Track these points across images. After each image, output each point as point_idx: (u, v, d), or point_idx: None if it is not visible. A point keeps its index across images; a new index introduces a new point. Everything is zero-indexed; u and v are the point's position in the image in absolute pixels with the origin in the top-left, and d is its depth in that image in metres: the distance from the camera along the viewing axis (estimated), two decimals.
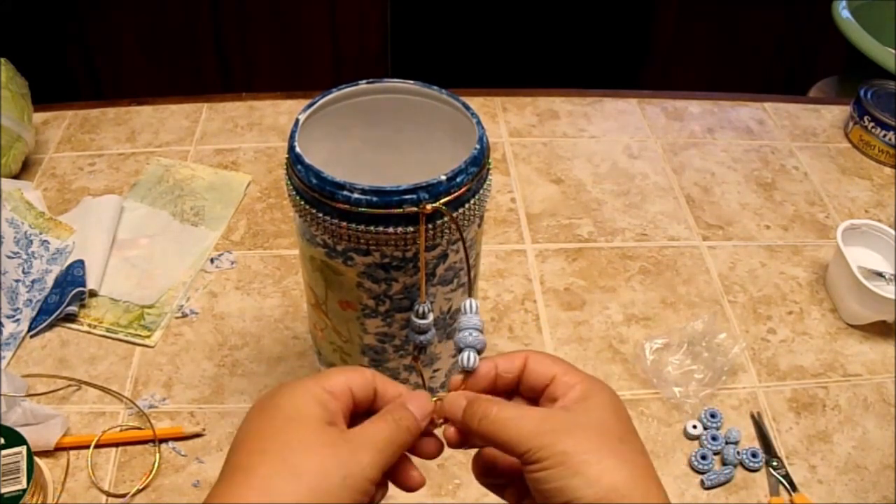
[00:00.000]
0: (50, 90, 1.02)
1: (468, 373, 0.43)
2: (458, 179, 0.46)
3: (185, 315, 0.72)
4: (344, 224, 0.46)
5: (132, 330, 0.70)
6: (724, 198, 0.89)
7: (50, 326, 0.70)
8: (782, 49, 2.01)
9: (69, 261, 0.74)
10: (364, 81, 0.53)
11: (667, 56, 2.02)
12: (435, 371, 0.58)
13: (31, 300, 0.71)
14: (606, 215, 0.85)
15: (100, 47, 1.83)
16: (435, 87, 0.53)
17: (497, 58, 1.96)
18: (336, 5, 1.80)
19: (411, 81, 0.54)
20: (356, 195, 0.45)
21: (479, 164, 0.48)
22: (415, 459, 0.42)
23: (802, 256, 0.82)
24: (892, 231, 0.77)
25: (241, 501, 0.35)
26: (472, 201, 0.48)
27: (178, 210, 0.83)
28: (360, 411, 0.41)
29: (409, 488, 0.41)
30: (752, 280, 0.79)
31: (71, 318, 0.71)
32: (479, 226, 0.52)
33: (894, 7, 1.48)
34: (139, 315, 0.72)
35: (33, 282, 0.73)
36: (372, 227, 0.46)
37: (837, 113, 1.03)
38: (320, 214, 0.47)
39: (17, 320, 0.70)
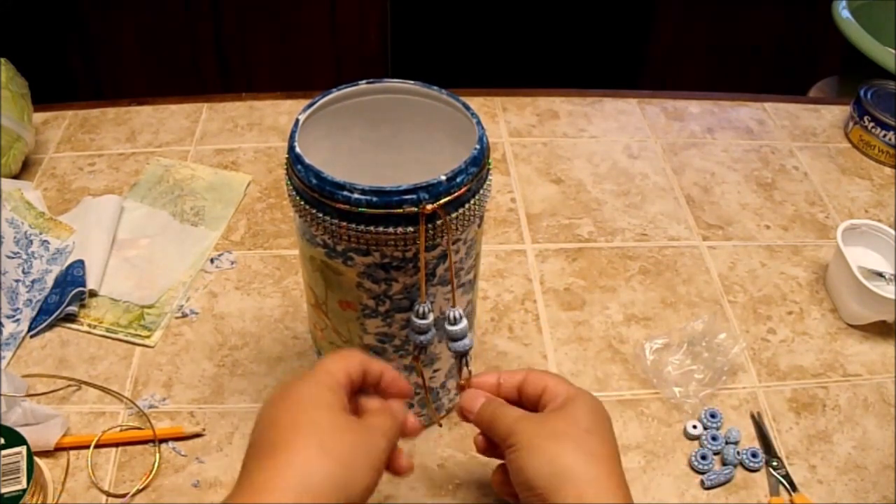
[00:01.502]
0: (50, 90, 1.02)
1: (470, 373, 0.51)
2: (458, 179, 0.46)
3: (185, 315, 0.72)
4: (344, 224, 0.46)
5: (132, 330, 0.70)
6: (724, 198, 0.89)
7: (50, 326, 0.70)
8: (782, 49, 2.01)
9: (69, 261, 0.74)
10: (364, 81, 0.53)
11: (667, 56, 2.02)
12: (435, 371, 0.58)
13: (31, 300, 0.71)
14: (606, 215, 0.85)
15: (100, 47, 1.84)
16: (435, 87, 0.53)
17: (497, 58, 1.96)
18: (336, 5, 1.81)
19: (411, 81, 0.54)
20: (356, 195, 0.45)
21: (479, 165, 0.48)
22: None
23: (802, 256, 0.82)
24: (892, 231, 0.77)
25: (287, 476, 0.39)
26: (472, 201, 0.48)
27: (178, 210, 0.83)
28: (353, 391, 0.47)
29: (401, 471, 0.48)
30: (752, 280, 0.79)
31: (71, 318, 0.71)
32: (479, 226, 0.52)
33: (894, 7, 1.48)
34: (139, 315, 0.72)
35: (33, 282, 0.73)
36: (372, 228, 0.46)
37: (837, 113, 1.03)
38: (320, 214, 0.47)
39: (17, 320, 0.70)
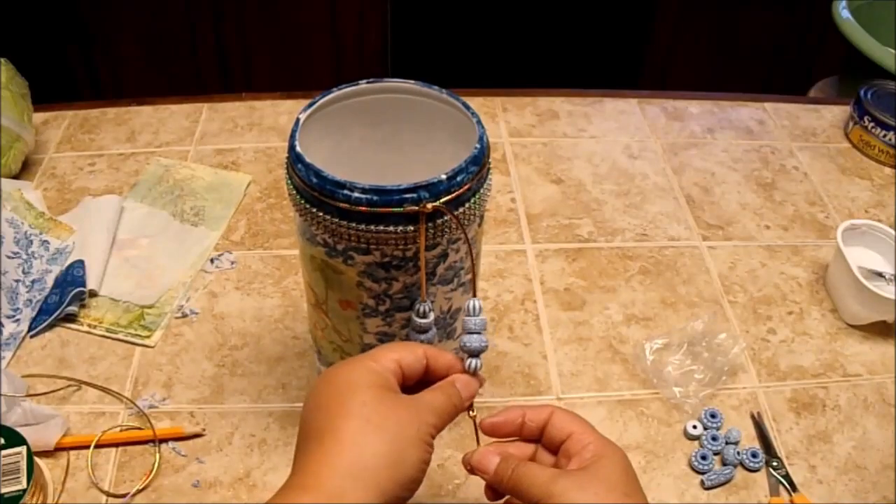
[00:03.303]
0: (50, 90, 1.02)
1: (474, 374, 0.48)
2: (459, 179, 0.46)
3: (185, 315, 0.72)
4: (344, 223, 0.46)
5: (132, 330, 0.70)
6: (724, 198, 0.89)
7: (50, 326, 0.70)
8: (782, 49, 2.01)
9: (69, 261, 0.74)
10: (364, 81, 0.53)
11: (667, 56, 2.02)
12: None
13: (31, 300, 0.71)
14: (606, 215, 0.85)
15: (100, 47, 1.84)
16: (435, 87, 0.53)
17: (497, 58, 1.96)
18: (336, 5, 1.81)
19: (411, 81, 0.54)
20: (356, 194, 0.45)
21: (479, 164, 0.48)
22: None
23: (802, 256, 0.82)
24: (892, 231, 0.77)
25: (337, 458, 0.39)
26: (472, 200, 0.48)
27: (178, 210, 0.83)
28: (409, 384, 0.45)
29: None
30: (752, 280, 0.79)
31: (71, 318, 0.71)
32: (480, 225, 0.52)
33: (894, 7, 1.48)
34: (139, 315, 0.72)
35: (33, 282, 0.73)
36: (372, 227, 0.46)
37: (837, 113, 1.03)
38: (320, 213, 0.47)
39: (17, 320, 0.70)
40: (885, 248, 0.77)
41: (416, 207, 0.45)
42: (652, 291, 0.77)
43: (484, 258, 0.79)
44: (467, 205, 0.48)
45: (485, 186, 0.49)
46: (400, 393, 0.44)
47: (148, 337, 0.70)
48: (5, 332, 0.69)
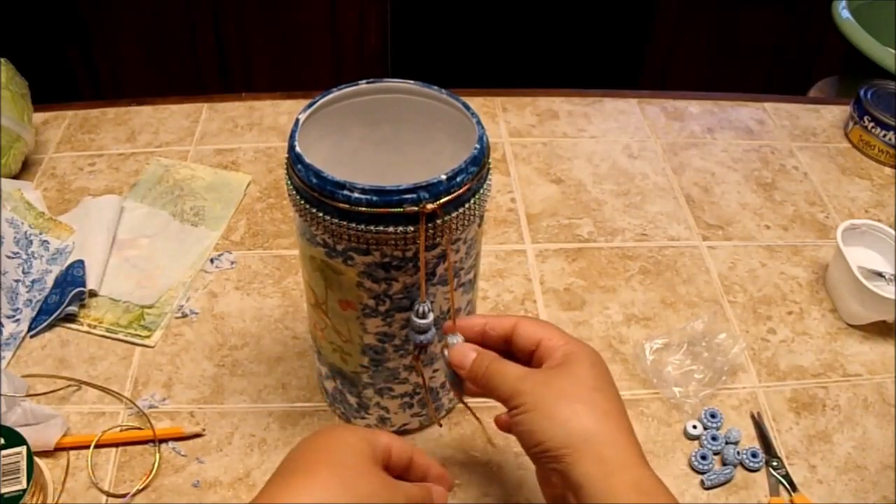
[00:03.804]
0: (50, 90, 1.02)
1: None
2: (459, 179, 0.46)
3: (185, 315, 0.72)
4: (344, 223, 0.46)
5: (132, 330, 0.70)
6: (724, 198, 0.89)
7: (50, 326, 0.70)
8: (782, 49, 2.01)
9: (69, 261, 0.74)
10: (364, 81, 0.53)
11: (667, 56, 2.02)
12: (435, 371, 0.58)
13: (31, 300, 0.71)
14: (606, 215, 0.85)
15: (100, 47, 1.84)
16: (435, 87, 0.53)
17: (497, 58, 1.96)
18: (336, 5, 1.81)
19: (411, 81, 0.54)
20: (356, 194, 0.45)
21: (479, 164, 0.48)
22: None
23: (802, 256, 0.82)
24: (892, 231, 0.77)
25: (296, 496, 0.41)
26: (472, 201, 0.48)
27: (178, 210, 0.83)
28: (392, 467, 0.46)
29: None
30: (752, 280, 0.79)
31: (71, 318, 0.71)
32: (480, 225, 0.52)
33: (894, 7, 1.48)
34: (139, 315, 0.72)
35: (33, 282, 0.73)
36: (372, 227, 0.46)
37: (837, 113, 1.03)
38: (320, 214, 0.47)
39: (17, 320, 0.70)
40: (885, 248, 0.77)
41: (416, 208, 0.45)
42: (652, 291, 0.77)
43: (484, 258, 0.79)
44: (467, 205, 0.48)
45: (485, 187, 0.49)
46: (380, 469, 0.45)
47: (148, 337, 0.70)
48: (5, 332, 0.69)
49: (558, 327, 0.50)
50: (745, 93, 1.07)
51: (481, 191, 0.49)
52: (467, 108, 0.51)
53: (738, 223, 0.86)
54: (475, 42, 1.97)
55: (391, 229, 0.46)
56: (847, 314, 0.75)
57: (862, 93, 0.97)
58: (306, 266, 0.54)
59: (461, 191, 0.47)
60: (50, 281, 0.73)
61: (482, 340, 0.51)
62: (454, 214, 0.47)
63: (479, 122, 0.50)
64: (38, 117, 0.94)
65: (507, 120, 0.98)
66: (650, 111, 1.02)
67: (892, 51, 1.30)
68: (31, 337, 0.69)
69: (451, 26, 1.96)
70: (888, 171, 0.94)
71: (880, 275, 0.75)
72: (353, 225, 0.46)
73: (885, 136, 0.94)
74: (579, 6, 1.95)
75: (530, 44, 1.99)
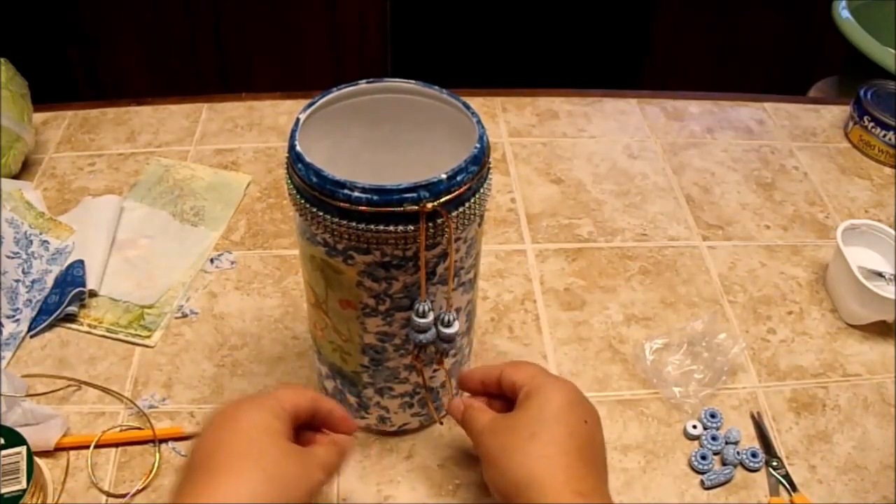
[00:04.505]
0: (50, 90, 1.02)
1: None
2: (459, 178, 0.46)
3: (185, 315, 0.72)
4: (344, 223, 0.46)
5: (132, 330, 0.70)
6: (723, 198, 0.89)
7: (50, 326, 0.70)
8: (782, 49, 2.01)
9: (69, 261, 0.74)
10: (364, 81, 0.53)
11: (667, 56, 2.02)
12: (435, 371, 0.58)
13: (31, 300, 0.71)
14: (606, 215, 0.85)
15: (100, 47, 1.84)
16: (435, 87, 0.53)
17: (497, 58, 1.96)
18: (336, 5, 1.81)
19: (412, 81, 0.54)
20: (356, 193, 0.45)
21: (479, 163, 0.48)
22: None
23: (802, 256, 0.82)
24: (892, 231, 0.77)
25: (222, 499, 0.40)
26: (472, 200, 0.48)
27: (178, 210, 0.83)
28: (298, 424, 0.48)
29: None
30: (752, 280, 0.79)
31: (71, 318, 0.71)
32: (480, 225, 0.52)
33: (894, 7, 1.48)
34: (139, 315, 0.72)
35: (33, 282, 0.73)
36: (372, 226, 0.46)
37: (837, 113, 1.03)
38: (321, 213, 0.47)
39: (17, 320, 0.70)
40: (885, 248, 0.77)
41: (416, 207, 0.45)
42: (652, 291, 0.77)
43: (484, 258, 0.79)
44: (467, 204, 0.48)
45: (485, 186, 0.49)
46: (293, 444, 0.45)
47: (148, 337, 0.70)
48: (5, 332, 0.69)
49: (538, 366, 0.53)
50: (745, 93, 1.07)
51: (482, 190, 0.49)
52: (467, 107, 0.51)
53: (738, 223, 0.86)
54: (475, 42, 1.97)
55: (391, 228, 0.46)
56: (847, 314, 0.75)
57: (862, 93, 0.97)
58: (306, 265, 0.54)
59: (461, 190, 0.47)
60: (50, 281, 0.73)
61: (483, 390, 0.55)
62: (455, 214, 0.47)
63: (479, 122, 0.50)
64: (38, 117, 0.94)
65: (506, 120, 0.98)
66: (650, 111, 1.02)
67: (892, 51, 1.30)
68: (31, 337, 0.69)
69: (451, 26, 1.96)
70: (888, 171, 0.94)
71: (880, 275, 0.75)
72: (354, 224, 0.46)
73: (885, 136, 0.94)
74: (579, 6, 1.95)
75: (530, 44, 1.98)
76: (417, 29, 1.95)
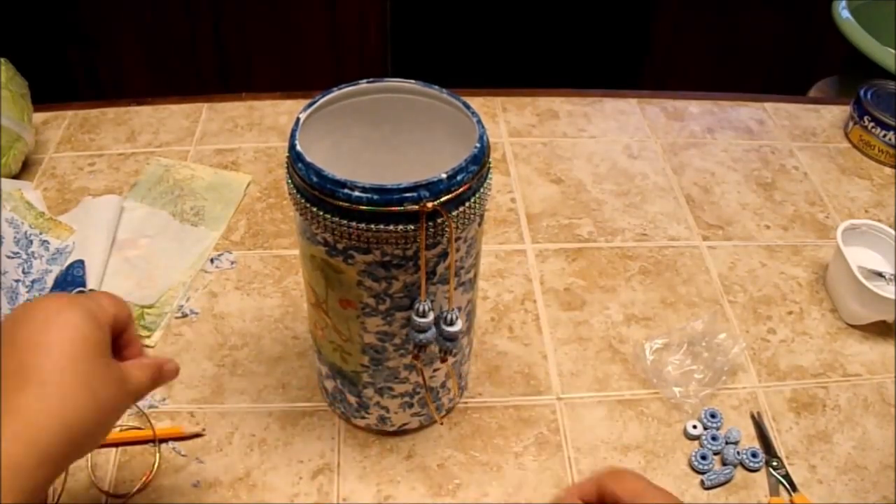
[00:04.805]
0: (50, 90, 1.02)
1: None
2: (459, 178, 0.46)
3: (185, 315, 0.72)
4: (345, 222, 0.46)
5: None
6: (724, 198, 0.89)
7: None
8: (782, 49, 2.01)
9: (69, 261, 0.74)
10: (364, 81, 0.53)
11: (667, 56, 2.02)
12: (435, 370, 0.58)
13: (30, 300, 0.71)
14: (606, 215, 0.85)
15: (100, 47, 1.84)
16: (435, 87, 0.53)
17: (497, 58, 1.96)
18: (336, 5, 1.80)
19: (412, 81, 0.54)
20: (357, 193, 0.45)
21: (479, 163, 0.48)
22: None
23: (802, 256, 0.82)
24: (892, 231, 0.77)
25: (45, 416, 0.37)
26: (472, 200, 0.48)
27: (178, 210, 0.83)
28: (113, 335, 0.43)
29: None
30: (752, 280, 0.79)
31: None
32: (480, 224, 0.52)
33: (894, 7, 1.48)
34: (139, 315, 0.72)
35: (33, 282, 0.73)
36: (373, 226, 0.46)
37: (837, 113, 1.04)
38: (321, 213, 0.47)
39: None
40: (885, 248, 0.77)
41: (417, 207, 0.45)
42: (652, 291, 0.77)
43: (484, 258, 0.79)
44: (467, 204, 0.48)
45: (485, 186, 0.49)
46: (114, 361, 0.42)
47: (148, 337, 0.70)
48: None
49: (640, 479, 0.49)
50: (745, 93, 1.07)
51: (482, 190, 0.49)
52: (468, 107, 0.51)
53: (738, 223, 0.86)
54: (475, 42, 1.97)
55: (392, 228, 0.46)
56: (847, 314, 0.75)
57: (862, 93, 0.97)
58: (307, 265, 0.54)
59: (462, 189, 0.47)
60: (50, 281, 0.73)
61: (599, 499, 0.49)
62: (455, 213, 0.47)
63: (479, 122, 0.50)
64: (38, 117, 0.94)
65: (507, 120, 0.98)
66: (650, 111, 1.02)
67: (892, 51, 1.30)
68: None
69: (451, 26, 1.96)
70: (888, 171, 0.94)
71: (880, 275, 0.75)
72: (354, 223, 0.46)
73: (885, 136, 0.94)
74: (579, 6, 1.95)
75: (530, 44, 1.98)
76: (417, 29, 1.94)
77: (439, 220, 0.47)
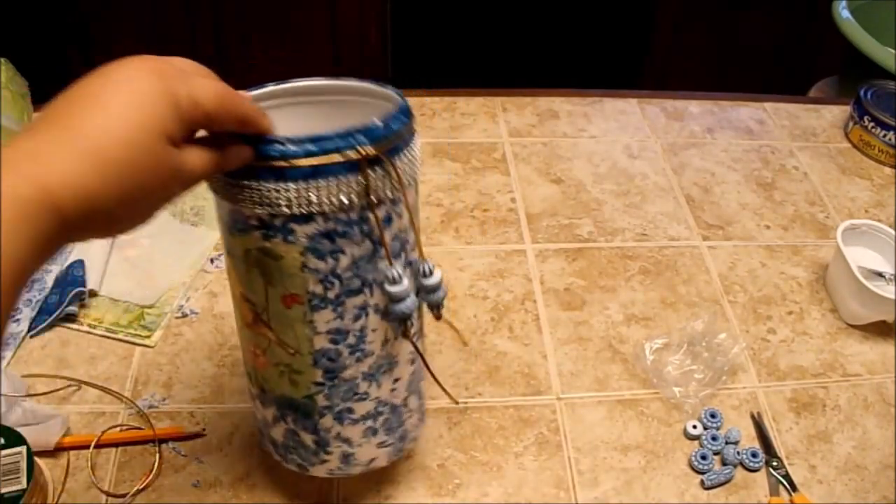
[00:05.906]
0: (50, 90, 1.01)
1: None
2: (395, 127, 0.44)
3: (185, 315, 0.72)
4: (281, 185, 0.43)
5: (132, 330, 0.70)
6: (724, 198, 0.89)
7: (50, 326, 0.70)
8: (782, 49, 2.01)
9: (69, 261, 0.74)
10: (271, 84, 0.50)
11: (667, 56, 2.02)
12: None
13: (31, 300, 0.71)
14: (606, 215, 0.85)
15: (100, 47, 1.84)
16: (350, 78, 0.50)
17: (497, 58, 1.96)
18: (336, 5, 1.81)
19: (322, 78, 0.50)
20: (292, 147, 0.42)
21: (408, 115, 0.45)
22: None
23: (802, 256, 0.82)
24: (892, 231, 0.77)
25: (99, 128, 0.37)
26: (406, 151, 0.45)
27: (178, 210, 0.83)
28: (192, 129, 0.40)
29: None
30: (752, 280, 0.79)
31: (71, 318, 0.71)
32: (417, 192, 0.49)
33: (894, 7, 1.48)
34: (139, 315, 0.72)
35: (33, 282, 0.73)
36: (312, 182, 0.43)
37: (837, 113, 1.04)
38: (253, 182, 0.43)
39: (17, 320, 0.70)
40: (885, 248, 0.77)
41: (357, 153, 0.42)
42: (652, 291, 0.77)
43: (484, 258, 0.79)
44: (405, 152, 0.45)
45: (414, 142, 0.46)
46: (172, 151, 0.38)
47: (148, 337, 0.70)
48: (5, 332, 0.69)
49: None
50: (745, 93, 1.07)
51: (412, 142, 0.46)
52: (383, 86, 0.48)
53: (738, 223, 0.86)
54: (475, 42, 1.97)
55: (333, 182, 0.43)
56: (847, 314, 0.75)
57: (862, 93, 0.97)
58: (239, 271, 0.49)
59: (397, 138, 0.44)
60: (50, 281, 0.73)
61: None
62: (397, 162, 0.44)
63: (396, 92, 0.47)
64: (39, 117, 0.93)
65: (507, 120, 0.98)
66: (650, 111, 1.02)
67: (892, 51, 1.30)
68: (31, 337, 0.69)
69: (451, 26, 1.96)
70: (888, 171, 0.94)
71: (880, 275, 0.75)
72: (292, 185, 0.42)
73: (885, 136, 0.94)
74: (579, 6, 1.95)
75: (530, 44, 1.99)
76: (417, 29, 1.95)
77: (381, 171, 0.44)
